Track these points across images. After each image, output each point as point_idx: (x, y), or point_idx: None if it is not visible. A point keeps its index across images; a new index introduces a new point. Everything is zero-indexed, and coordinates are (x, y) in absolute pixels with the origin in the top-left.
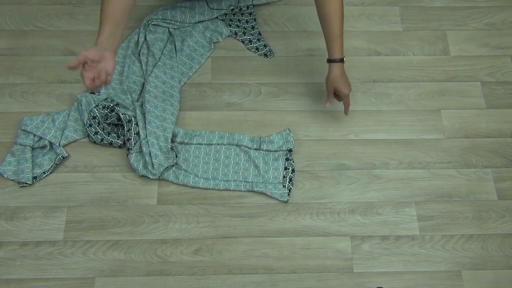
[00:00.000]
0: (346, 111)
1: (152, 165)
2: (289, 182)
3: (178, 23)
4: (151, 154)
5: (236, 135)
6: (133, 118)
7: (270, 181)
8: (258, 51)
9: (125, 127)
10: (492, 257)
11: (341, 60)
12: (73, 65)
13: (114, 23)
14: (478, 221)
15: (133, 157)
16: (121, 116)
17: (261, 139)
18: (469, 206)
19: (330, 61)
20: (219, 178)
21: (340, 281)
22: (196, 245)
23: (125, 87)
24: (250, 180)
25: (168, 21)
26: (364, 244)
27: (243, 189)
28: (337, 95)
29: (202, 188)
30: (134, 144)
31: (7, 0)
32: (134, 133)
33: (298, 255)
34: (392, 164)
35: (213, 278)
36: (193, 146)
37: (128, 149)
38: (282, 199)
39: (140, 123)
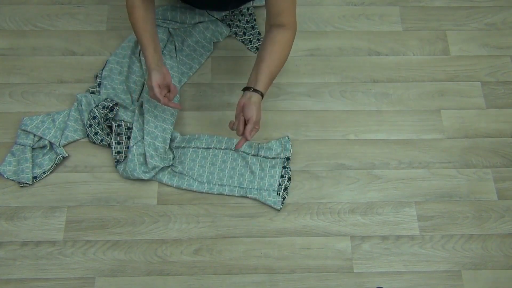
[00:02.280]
0: (248, 137)
1: (147, 164)
2: (284, 191)
3: (178, 23)
4: (146, 154)
5: (235, 140)
6: (123, 123)
7: (265, 188)
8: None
9: (113, 132)
10: (492, 257)
11: (261, 94)
12: (159, 97)
13: (152, 39)
14: (478, 221)
15: (121, 168)
16: (113, 123)
17: (259, 145)
18: (469, 206)
19: (253, 90)
20: (214, 182)
21: (340, 281)
22: (196, 245)
23: (125, 87)
24: (244, 186)
25: (168, 21)
26: (364, 244)
27: (236, 194)
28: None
29: (196, 191)
30: (126, 149)
31: (7, 0)
32: (125, 137)
33: (298, 255)
34: (392, 164)
35: (213, 278)
36: (190, 149)
37: (117, 161)
38: (275, 207)
39: (137, 124)
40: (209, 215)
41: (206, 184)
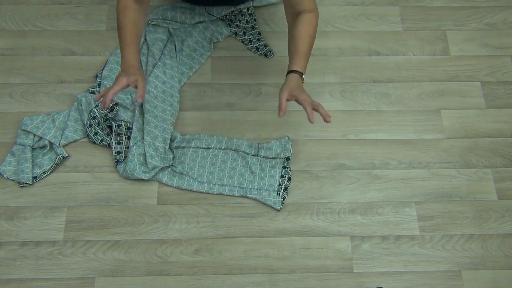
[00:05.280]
0: (310, 116)
1: (147, 164)
2: (284, 191)
3: (178, 23)
4: (146, 154)
5: (235, 140)
6: (122, 123)
7: (265, 188)
8: (258, 51)
9: (113, 132)
10: (492, 257)
11: (300, 74)
12: (105, 106)
13: (137, 41)
14: (478, 221)
15: (121, 167)
16: (113, 123)
17: (259, 145)
18: (469, 206)
19: (289, 72)
20: (214, 182)
21: (340, 281)
22: (196, 245)
23: None
24: (244, 186)
25: (168, 21)
26: (364, 244)
27: (236, 194)
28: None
29: (196, 191)
30: (126, 148)
31: (7, 0)
32: (125, 137)
33: (298, 255)
34: (392, 164)
35: (213, 278)
36: (190, 149)
37: (117, 161)
38: (275, 207)
39: (137, 124)
40: (209, 215)
41: (206, 184)
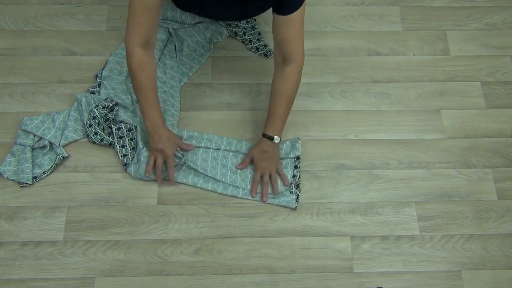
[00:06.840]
0: (264, 194)
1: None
2: (296, 188)
3: (178, 23)
4: None
5: (244, 142)
6: (122, 125)
7: (278, 190)
8: (258, 51)
9: (115, 136)
10: (492, 257)
11: (270, 138)
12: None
13: (158, 98)
14: (478, 221)
15: (133, 169)
16: (112, 127)
17: None
18: (469, 206)
19: (263, 135)
20: (228, 183)
21: (340, 281)
22: (196, 245)
23: (125, 87)
24: (258, 191)
25: (168, 21)
26: (364, 244)
27: (250, 199)
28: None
29: (210, 191)
30: (131, 150)
31: (7, 0)
32: (128, 139)
33: (298, 255)
34: (392, 164)
35: (213, 278)
36: (201, 149)
37: (125, 163)
38: (290, 206)
39: (141, 125)
40: (209, 215)
41: (221, 184)
